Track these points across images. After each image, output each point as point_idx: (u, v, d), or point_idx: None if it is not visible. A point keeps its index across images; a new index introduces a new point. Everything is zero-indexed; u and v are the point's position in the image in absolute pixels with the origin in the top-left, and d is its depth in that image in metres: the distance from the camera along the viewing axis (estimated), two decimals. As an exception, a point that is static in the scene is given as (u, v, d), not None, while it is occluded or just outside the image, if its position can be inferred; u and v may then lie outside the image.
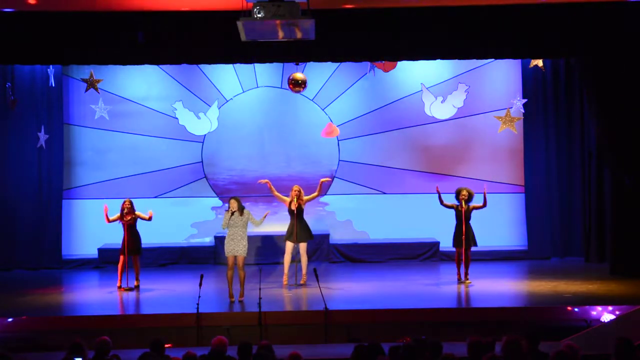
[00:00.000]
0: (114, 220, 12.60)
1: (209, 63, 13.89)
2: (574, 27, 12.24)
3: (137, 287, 12.62)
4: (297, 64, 14.21)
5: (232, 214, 11.60)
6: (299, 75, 14.01)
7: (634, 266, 12.97)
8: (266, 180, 13.05)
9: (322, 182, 13.02)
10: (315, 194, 12.94)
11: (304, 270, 12.75)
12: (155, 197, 15.28)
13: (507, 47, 12.72)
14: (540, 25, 12.19)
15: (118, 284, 12.60)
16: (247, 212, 11.78)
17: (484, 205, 12.75)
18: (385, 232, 15.36)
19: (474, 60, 14.71)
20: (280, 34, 9.33)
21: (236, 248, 11.65)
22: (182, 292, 12.32)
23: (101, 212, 12.62)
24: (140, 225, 12.80)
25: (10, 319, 10.84)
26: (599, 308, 10.76)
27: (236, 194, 15.20)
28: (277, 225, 14.42)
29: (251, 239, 14.77)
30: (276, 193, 12.93)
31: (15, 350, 9.82)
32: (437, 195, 12.84)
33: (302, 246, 12.75)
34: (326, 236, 15.08)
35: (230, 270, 11.64)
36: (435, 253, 14.97)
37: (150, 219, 12.68)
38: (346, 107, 15.45)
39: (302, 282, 12.70)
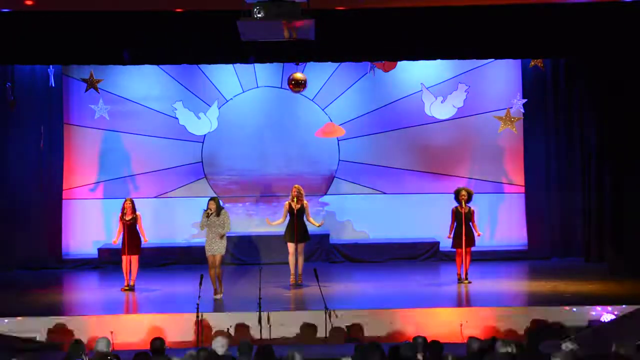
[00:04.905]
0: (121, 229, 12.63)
1: (209, 63, 13.90)
2: (574, 27, 12.23)
3: (132, 287, 12.62)
4: (297, 64, 14.21)
5: (209, 215, 11.86)
6: (299, 75, 14.03)
7: (634, 266, 12.97)
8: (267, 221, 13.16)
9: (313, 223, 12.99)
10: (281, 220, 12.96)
11: (299, 271, 12.80)
12: (155, 197, 15.28)
13: (507, 47, 12.71)
14: (540, 25, 12.19)
15: (125, 284, 12.60)
16: (224, 212, 12.01)
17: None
18: (385, 232, 15.35)
19: (474, 60, 14.71)
20: (280, 34, 9.34)
21: (214, 247, 11.96)
22: (182, 292, 12.32)
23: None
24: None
25: (10, 319, 10.83)
26: (599, 308, 10.77)
27: (236, 194, 15.26)
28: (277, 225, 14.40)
29: (252, 239, 14.89)
30: (278, 222, 12.95)
31: (15, 350, 9.83)
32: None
33: (300, 247, 12.80)
34: (326, 236, 15.07)
35: (212, 269, 11.93)
36: (435, 253, 14.96)
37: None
38: (346, 107, 15.44)
39: (299, 281, 12.75)
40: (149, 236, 12.98)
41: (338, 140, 15.50)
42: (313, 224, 12.91)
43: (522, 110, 15.18)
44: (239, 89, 15.44)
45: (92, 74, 15.05)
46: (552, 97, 15.06)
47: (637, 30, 12.24)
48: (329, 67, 15.04)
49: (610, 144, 13.49)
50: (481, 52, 12.89)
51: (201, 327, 10.27)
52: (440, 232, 13.61)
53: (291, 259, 12.81)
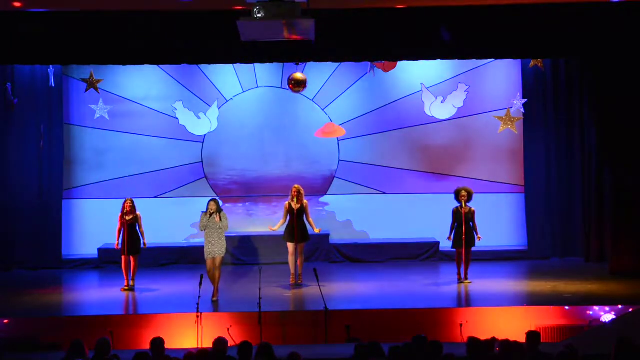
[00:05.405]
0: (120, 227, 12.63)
1: (209, 63, 13.91)
2: (574, 27, 12.25)
3: (132, 287, 12.61)
4: (297, 64, 14.21)
5: (210, 215, 11.77)
6: (299, 75, 14.02)
7: (634, 266, 12.97)
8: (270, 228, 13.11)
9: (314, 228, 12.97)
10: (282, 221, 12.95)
11: (299, 271, 12.81)
12: (155, 197, 15.28)
13: (507, 47, 12.74)
14: (540, 25, 12.20)
15: (125, 284, 12.60)
16: (222, 214, 11.94)
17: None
18: (385, 232, 15.35)
19: (474, 60, 14.72)
20: (281, 34, 9.34)
21: (214, 250, 11.85)
22: (182, 292, 12.32)
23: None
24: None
25: (10, 319, 10.83)
26: (600, 308, 10.77)
27: (236, 194, 15.26)
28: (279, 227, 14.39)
29: (252, 239, 14.89)
30: (279, 224, 12.94)
31: (15, 350, 9.83)
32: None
33: (300, 246, 12.81)
34: (326, 236, 15.06)
35: (211, 272, 11.87)
36: (435, 253, 14.96)
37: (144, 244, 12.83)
38: (346, 107, 15.44)
39: (299, 281, 12.76)
40: (149, 236, 12.97)
41: (338, 140, 15.50)
42: (312, 226, 12.89)
43: (522, 110, 15.18)
44: (239, 89, 15.44)
45: (92, 74, 15.05)
46: (552, 97, 15.06)
47: (636, 30, 12.25)
48: (329, 67, 15.05)
49: (610, 144, 13.48)
50: (481, 52, 12.91)
51: (201, 327, 10.27)
52: (441, 232, 13.60)
53: (291, 259, 12.81)
